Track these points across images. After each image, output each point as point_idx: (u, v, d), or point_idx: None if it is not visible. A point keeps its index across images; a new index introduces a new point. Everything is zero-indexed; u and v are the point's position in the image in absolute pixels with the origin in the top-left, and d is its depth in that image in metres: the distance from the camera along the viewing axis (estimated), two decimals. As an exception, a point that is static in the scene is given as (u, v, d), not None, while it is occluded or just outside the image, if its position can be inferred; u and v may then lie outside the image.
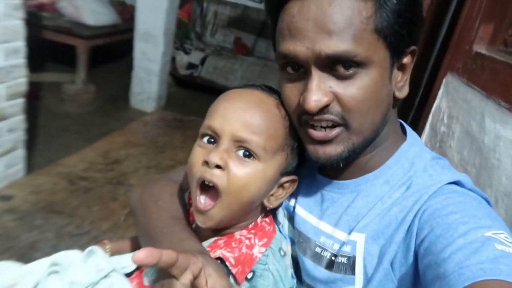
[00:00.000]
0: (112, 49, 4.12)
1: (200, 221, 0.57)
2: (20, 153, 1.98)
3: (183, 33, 4.20)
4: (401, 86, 0.55)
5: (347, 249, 0.55)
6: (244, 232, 0.60)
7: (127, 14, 3.96)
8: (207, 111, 0.58)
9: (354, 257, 0.54)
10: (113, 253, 0.70)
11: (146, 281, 0.60)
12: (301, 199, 0.63)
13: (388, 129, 0.57)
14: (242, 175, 0.54)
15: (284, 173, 0.59)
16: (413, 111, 1.96)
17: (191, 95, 4.08)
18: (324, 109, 0.50)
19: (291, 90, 0.54)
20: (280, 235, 0.62)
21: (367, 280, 0.53)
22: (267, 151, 0.55)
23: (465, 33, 1.23)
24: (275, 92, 0.60)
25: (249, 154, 0.54)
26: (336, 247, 0.57)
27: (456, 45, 1.29)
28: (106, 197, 2.01)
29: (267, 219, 0.63)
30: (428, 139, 1.37)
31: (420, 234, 0.48)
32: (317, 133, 0.52)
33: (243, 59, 4.09)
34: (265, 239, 0.59)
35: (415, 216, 0.50)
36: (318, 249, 0.59)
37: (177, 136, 2.91)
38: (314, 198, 0.62)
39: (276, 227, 0.63)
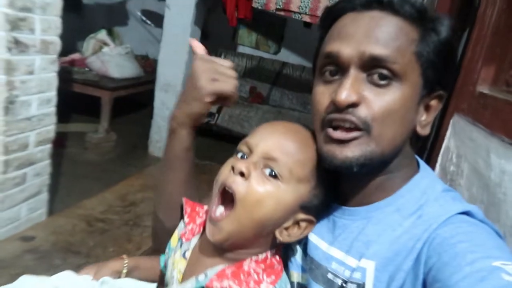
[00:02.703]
0: (134, 100, 4.34)
1: (210, 232, 0.58)
2: (44, 197, 2.05)
3: (201, 84, 4.39)
4: (424, 125, 0.57)
5: (357, 275, 0.55)
6: (253, 265, 0.58)
7: (149, 67, 4.22)
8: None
9: (364, 284, 0.54)
10: (130, 269, 0.72)
11: None
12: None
13: (403, 159, 0.58)
14: (261, 190, 0.55)
15: (303, 208, 0.58)
16: (426, 153, 1.96)
17: (208, 142, 4.18)
18: (350, 108, 0.52)
19: (322, 93, 0.56)
20: (285, 277, 0.61)
21: None
22: (292, 175, 0.56)
23: (468, 75, 1.27)
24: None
25: (274, 174, 0.56)
26: (347, 273, 0.57)
27: (461, 87, 1.32)
28: (122, 238, 2.06)
29: (277, 257, 0.62)
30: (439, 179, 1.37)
31: (428, 262, 0.48)
32: (336, 133, 0.53)
33: (258, 107, 4.22)
34: (273, 277, 0.58)
35: (424, 244, 0.50)
36: (330, 276, 0.58)
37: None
38: (325, 225, 0.62)
39: (283, 268, 0.63)
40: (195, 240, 0.64)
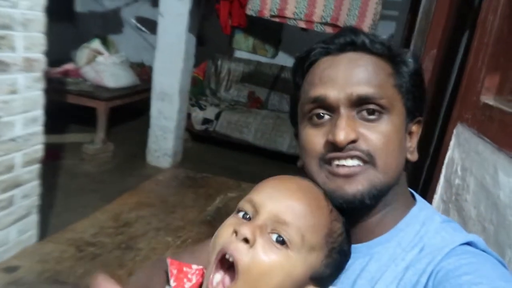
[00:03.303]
0: (131, 108, 4.30)
1: None
2: (33, 219, 1.99)
3: (198, 90, 4.35)
4: (412, 151, 0.60)
5: None
6: None
7: (145, 75, 4.17)
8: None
9: None
10: None
11: None
12: None
13: (399, 190, 0.58)
14: (267, 261, 0.47)
15: (313, 279, 0.51)
16: (428, 160, 1.91)
17: (207, 149, 4.14)
18: (351, 144, 0.53)
19: (315, 136, 0.56)
20: None
21: None
22: (304, 242, 0.49)
23: (471, 83, 1.22)
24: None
25: (282, 240, 0.48)
26: None
27: (464, 96, 1.27)
28: (113, 263, 1.98)
29: None
30: (444, 192, 1.31)
31: None
32: (342, 170, 0.53)
33: (257, 112, 4.17)
34: None
35: (428, 278, 0.50)
36: None
37: (189, 194, 2.91)
38: None
39: None
40: None
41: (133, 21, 5.08)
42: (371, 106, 0.53)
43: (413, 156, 0.59)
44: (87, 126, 3.72)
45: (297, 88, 0.61)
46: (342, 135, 0.51)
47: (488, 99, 1.10)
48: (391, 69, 0.56)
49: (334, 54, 0.56)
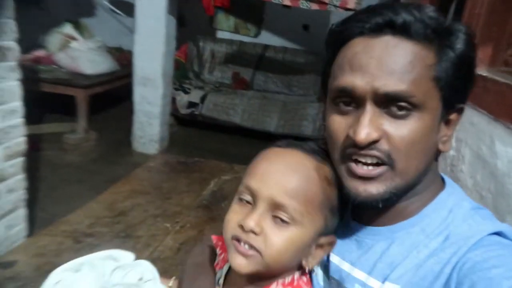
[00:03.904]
0: (111, 95, 4.18)
1: (236, 265, 0.56)
2: (21, 213, 1.94)
3: (182, 74, 4.26)
4: (445, 141, 0.55)
5: None
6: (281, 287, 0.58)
7: (124, 60, 4.03)
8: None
9: None
10: None
11: None
12: (335, 247, 0.61)
13: (429, 178, 0.56)
14: (280, 241, 0.54)
15: (322, 234, 0.57)
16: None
17: (194, 133, 4.09)
18: (372, 144, 0.50)
19: (339, 124, 0.54)
20: None
21: None
22: (304, 216, 0.54)
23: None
24: (316, 152, 0.59)
25: (285, 220, 0.54)
26: None
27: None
28: None
29: (304, 278, 0.61)
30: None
31: None
32: (360, 169, 0.52)
33: (242, 93, 4.13)
34: None
35: (453, 269, 0.48)
36: None
37: (182, 179, 2.89)
38: (348, 245, 0.60)
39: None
40: (226, 268, 0.66)
41: (106, 3, 4.87)
42: (401, 103, 0.49)
43: (445, 147, 0.55)
44: (64, 115, 3.60)
45: (329, 63, 0.57)
46: (363, 135, 0.49)
47: (481, 70, 1.11)
48: (433, 57, 0.50)
49: (369, 35, 0.51)
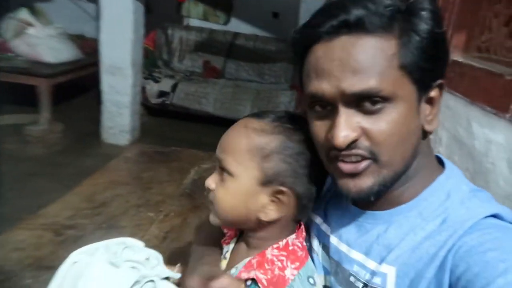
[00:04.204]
0: (76, 84, 3.99)
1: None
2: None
3: (151, 62, 4.15)
4: (430, 120, 0.55)
5: (377, 281, 0.54)
6: (276, 252, 0.62)
7: (88, 48, 3.86)
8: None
9: None
10: None
11: None
12: (335, 229, 0.63)
13: (420, 161, 0.56)
14: (220, 194, 0.63)
15: (266, 183, 0.60)
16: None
17: (165, 122, 4.01)
18: (352, 144, 0.51)
19: (319, 128, 0.55)
20: (311, 265, 0.64)
21: None
22: (236, 166, 0.61)
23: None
24: (279, 118, 0.63)
25: (228, 173, 0.62)
26: (367, 276, 0.56)
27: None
28: None
29: (298, 244, 0.63)
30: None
31: (455, 271, 0.46)
32: (346, 166, 0.53)
33: (214, 82, 4.08)
34: (297, 263, 0.61)
35: (448, 252, 0.48)
36: (352, 279, 0.58)
37: (162, 169, 2.82)
38: (347, 228, 0.62)
39: (309, 255, 0.64)
40: (232, 243, 0.71)
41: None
42: (372, 99, 0.49)
43: (432, 126, 0.54)
44: (25, 106, 3.39)
45: (300, 71, 0.57)
46: (341, 138, 0.50)
47: (456, 56, 1.16)
48: (394, 46, 0.49)
49: (327, 39, 0.50)
